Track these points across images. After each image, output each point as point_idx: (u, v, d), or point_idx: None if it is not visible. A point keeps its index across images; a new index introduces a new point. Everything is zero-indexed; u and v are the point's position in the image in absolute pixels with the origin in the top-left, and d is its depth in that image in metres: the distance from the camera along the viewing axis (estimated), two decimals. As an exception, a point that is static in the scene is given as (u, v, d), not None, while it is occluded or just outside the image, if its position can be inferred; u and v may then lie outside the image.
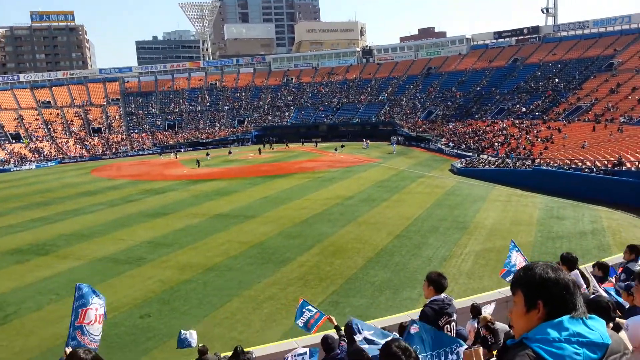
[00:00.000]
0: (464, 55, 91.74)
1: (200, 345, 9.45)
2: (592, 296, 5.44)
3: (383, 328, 7.20)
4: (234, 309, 16.17)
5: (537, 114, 61.22)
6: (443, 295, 5.27)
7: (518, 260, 9.27)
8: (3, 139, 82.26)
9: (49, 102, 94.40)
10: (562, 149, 43.95)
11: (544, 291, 1.99)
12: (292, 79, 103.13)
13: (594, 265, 8.10)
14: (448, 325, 5.24)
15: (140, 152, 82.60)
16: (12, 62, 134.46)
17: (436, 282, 5.24)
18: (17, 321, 16.12)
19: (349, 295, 16.89)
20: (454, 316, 5.35)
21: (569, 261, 6.67)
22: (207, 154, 65.50)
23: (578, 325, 1.92)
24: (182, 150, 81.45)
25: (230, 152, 68.02)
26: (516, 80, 75.57)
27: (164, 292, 18.04)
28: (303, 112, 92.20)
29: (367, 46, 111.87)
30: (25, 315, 16.51)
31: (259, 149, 71.19)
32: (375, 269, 19.23)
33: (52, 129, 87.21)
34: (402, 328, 7.22)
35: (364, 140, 71.35)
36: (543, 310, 1.98)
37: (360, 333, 5.81)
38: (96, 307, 4.64)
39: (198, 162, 58.52)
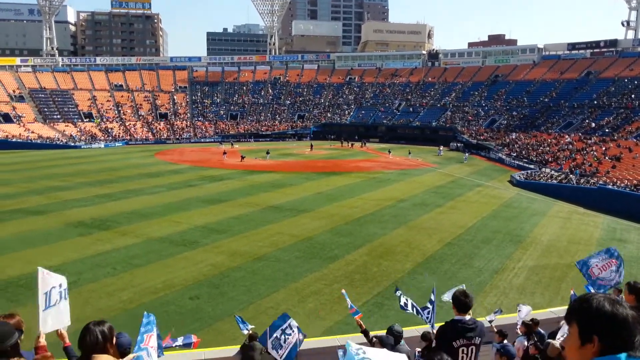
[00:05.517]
0: (534, 64, 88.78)
1: (251, 329, 9.12)
2: None
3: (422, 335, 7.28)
4: (279, 300, 16.45)
5: (607, 130, 58.38)
6: (468, 317, 4.85)
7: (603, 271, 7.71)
8: (76, 117, 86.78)
9: (121, 85, 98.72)
10: (631, 169, 41.81)
11: (599, 326, 1.88)
12: (354, 78, 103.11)
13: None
14: (465, 349, 4.80)
15: (202, 140, 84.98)
16: (91, 45, 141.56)
17: (457, 301, 4.82)
18: (74, 291, 16.93)
19: (393, 297, 16.71)
20: (477, 340, 4.83)
21: (638, 291, 5.69)
22: (267, 152, 59.66)
23: None
24: (242, 140, 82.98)
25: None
26: (588, 94, 72.34)
27: (214, 276, 18.58)
28: (363, 112, 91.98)
29: (433, 50, 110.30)
30: (82, 286, 17.38)
31: (311, 145, 71.30)
32: (423, 275, 19.04)
33: (122, 111, 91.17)
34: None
35: (440, 146, 67.58)
36: (598, 345, 1.87)
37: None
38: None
39: (242, 157, 56.72)
